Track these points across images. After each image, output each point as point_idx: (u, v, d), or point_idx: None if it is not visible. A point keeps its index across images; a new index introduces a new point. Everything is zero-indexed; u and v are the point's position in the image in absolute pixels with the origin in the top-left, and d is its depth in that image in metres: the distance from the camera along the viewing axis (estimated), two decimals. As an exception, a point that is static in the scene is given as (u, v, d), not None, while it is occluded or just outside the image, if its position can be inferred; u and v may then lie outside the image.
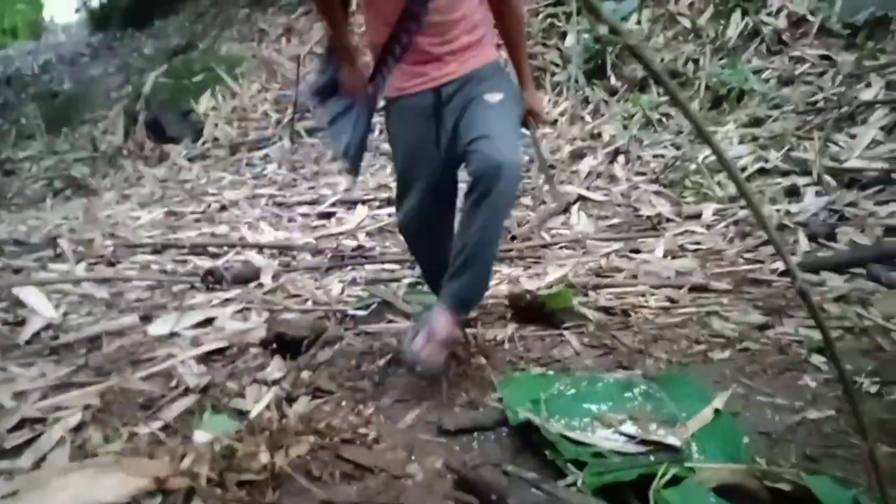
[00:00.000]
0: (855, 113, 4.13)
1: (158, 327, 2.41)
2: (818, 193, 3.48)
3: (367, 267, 3.18)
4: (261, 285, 2.91)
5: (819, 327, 0.97)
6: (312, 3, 2.24)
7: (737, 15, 5.61)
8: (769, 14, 5.45)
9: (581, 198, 4.07)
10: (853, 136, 3.94)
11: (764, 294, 2.34)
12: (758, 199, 3.63)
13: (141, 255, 3.53)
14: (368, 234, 3.79)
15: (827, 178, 3.59)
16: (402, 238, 2.27)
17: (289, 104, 6.47)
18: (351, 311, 2.45)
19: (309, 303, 2.64)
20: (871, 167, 3.59)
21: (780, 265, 2.58)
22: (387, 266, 3.16)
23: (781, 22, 5.35)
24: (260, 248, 3.54)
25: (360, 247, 3.46)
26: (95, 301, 2.78)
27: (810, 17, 5.21)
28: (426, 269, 2.28)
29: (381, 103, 2.13)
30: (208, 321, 2.48)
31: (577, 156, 4.91)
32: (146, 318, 2.51)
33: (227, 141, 6.29)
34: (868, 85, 4.33)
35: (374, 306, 2.48)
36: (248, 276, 3.03)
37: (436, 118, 1.96)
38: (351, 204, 4.32)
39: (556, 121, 5.87)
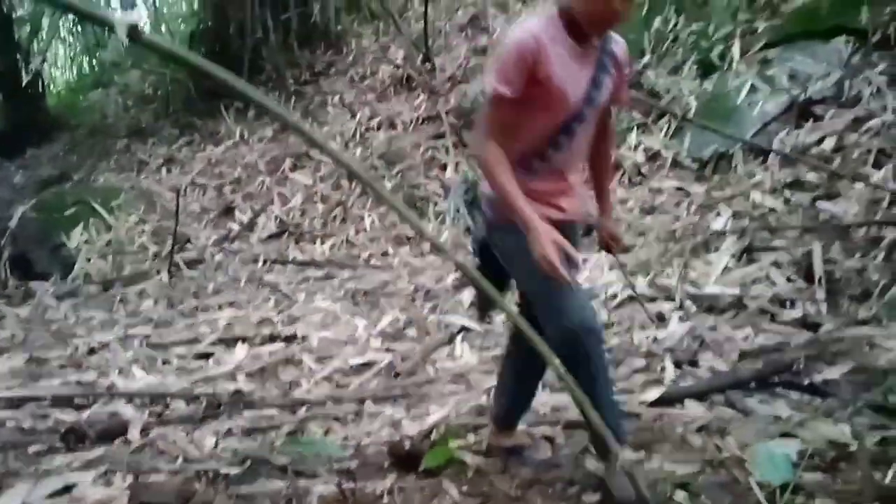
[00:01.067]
0: (709, 241, 4.50)
1: (8, 499, 2.20)
2: (681, 319, 3.70)
3: (246, 414, 3.06)
4: (128, 442, 2.73)
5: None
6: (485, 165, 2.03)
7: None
8: (629, 149, 5.96)
9: (464, 329, 4.13)
10: (709, 263, 4.27)
11: (634, 428, 2.43)
12: (628, 326, 3.84)
13: (-6, 412, 3.25)
14: (248, 375, 3.67)
15: (688, 303, 3.85)
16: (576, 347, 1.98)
17: (168, 236, 6.34)
18: (224, 470, 2.34)
19: (179, 460, 2.50)
20: (726, 293, 3.89)
21: (649, 396, 2.70)
22: (266, 412, 3.06)
23: (640, 156, 5.85)
24: (130, 396, 3.35)
25: (238, 391, 3.34)
26: (-65, 471, 2.51)
27: (664, 152, 5.73)
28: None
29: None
30: (66, 489, 2.29)
31: (462, 285, 5.03)
32: (-7, 490, 2.29)
33: (99, 277, 6.04)
34: (718, 214, 4.75)
35: (248, 462, 2.37)
36: (114, 432, 2.84)
37: None
38: (231, 342, 4.20)
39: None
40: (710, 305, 3.80)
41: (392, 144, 7.30)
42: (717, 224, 4.61)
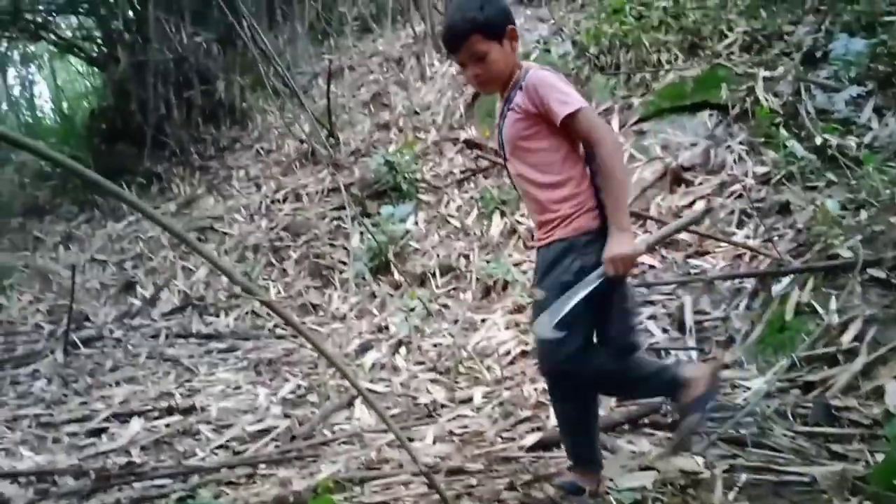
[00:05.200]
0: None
1: None
2: (568, 371, 3.92)
3: (136, 485, 3.04)
4: (9, 520, 2.67)
5: None
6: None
7: (497, 216, 6.40)
8: (522, 215, 6.29)
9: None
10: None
11: (511, 470, 2.58)
12: (520, 381, 4.03)
13: None
14: (143, 448, 3.63)
15: (574, 356, 4.08)
16: None
17: (64, 314, 6.18)
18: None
19: (62, 533, 2.47)
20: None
21: (528, 441, 2.86)
22: (157, 482, 3.04)
23: (532, 222, 6.17)
24: (14, 476, 3.25)
25: (130, 463, 3.30)
26: None
27: (554, 217, 6.08)
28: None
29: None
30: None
31: (364, 349, 5.13)
32: None
33: (-11, 359, 5.80)
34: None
35: (133, 529, 2.37)
36: (-6, 511, 2.77)
37: None
38: (126, 417, 4.13)
39: (344, 316, 6.14)
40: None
41: (297, 216, 7.43)
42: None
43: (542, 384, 3.83)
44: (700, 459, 2.45)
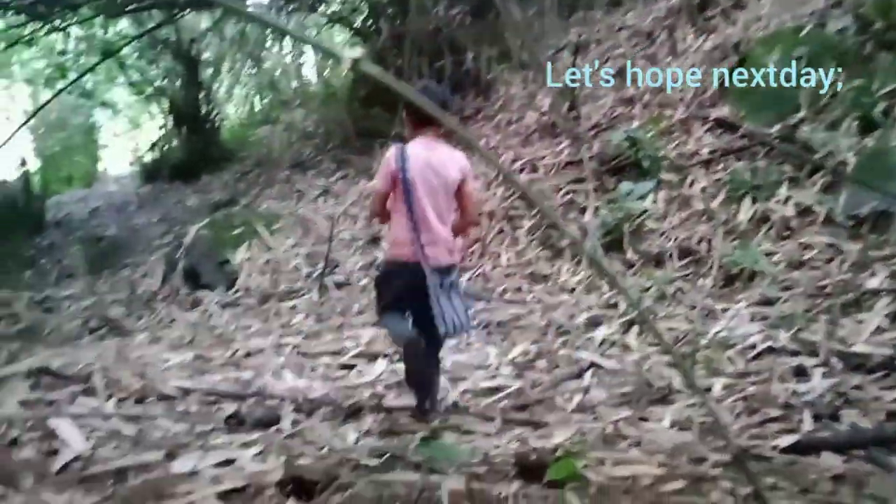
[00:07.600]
0: (861, 300, 4.30)
1: (181, 465, 2.52)
2: (825, 375, 3.57)
3: (383, 419, 3.29)
4: (280, 430, 3.03)
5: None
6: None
7: (747, 201, 5.96)
8: (777, 202, 5.79)
9: (593, 364, 4.18)
10: (860, 322, 4.09)
11: (761, 469, 2.41)
12: (766, 377, 3.75)
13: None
14: (387, 387, 3.92)
15: (834, 360, 3.70)
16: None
17: (320, 259, 6.84)
18: (364, 461, 2.55)
19: (325, 449, 2.75)
20: (876, 352, 3.71)
21: (782, 442, 2.66)
22: (402, 420, 3.27)
23: (789, 210, 5.67)
24: (282, 398, 3.67)
25: (378, 398, 3.59)
26: (123, 437, 2.91)
27: (816, 208, 5.53)
28: None
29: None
30: (229, 461, 2.59)
31: (593, 324, 5.07)
32: (170, 456, 2.63)
33: (258, 291, 6.60)
34: (873, 274, 4.53)
35: (386, 457, 2.58)
36: (269, 421, 3.16)
37: None
38: (372, 357, 4.49)
39: (573, 289, 6.12)
40: (858, 364, 3.64)
41: (533, 187, 7.49)
42: (872, 283, 4.40)
43: (793, 385, 3.55)
44: None
